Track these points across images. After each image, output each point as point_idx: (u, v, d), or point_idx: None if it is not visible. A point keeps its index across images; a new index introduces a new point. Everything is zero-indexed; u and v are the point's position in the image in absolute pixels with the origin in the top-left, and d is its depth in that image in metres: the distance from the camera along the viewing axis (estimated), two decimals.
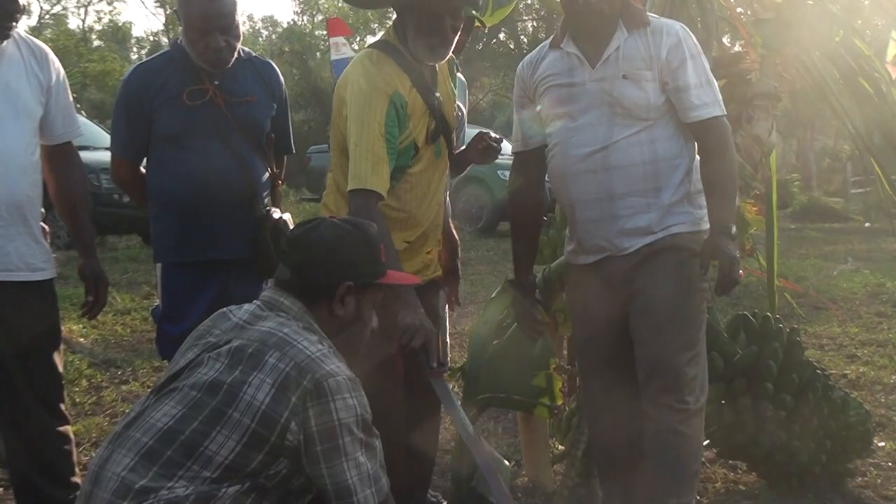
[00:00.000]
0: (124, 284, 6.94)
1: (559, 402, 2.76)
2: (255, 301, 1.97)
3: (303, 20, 36.06)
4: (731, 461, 3.26)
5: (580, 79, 2.32)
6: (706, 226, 2.29)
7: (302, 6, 35.77)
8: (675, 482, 2.29)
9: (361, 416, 1.78)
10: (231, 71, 2.66)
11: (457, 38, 2.48)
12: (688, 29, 2.39)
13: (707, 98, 2.29)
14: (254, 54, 2.86)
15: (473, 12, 2.73)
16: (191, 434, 1.74)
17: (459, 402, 2.49)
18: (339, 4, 30.33)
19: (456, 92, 2.74)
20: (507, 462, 2.76)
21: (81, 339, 5.16)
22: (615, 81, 2.28)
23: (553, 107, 2.39)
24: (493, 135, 2.70)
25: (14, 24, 2.35)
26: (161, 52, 3.05)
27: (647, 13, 2.42)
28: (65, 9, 34.72)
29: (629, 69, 2.27)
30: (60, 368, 2.56)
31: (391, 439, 2.07)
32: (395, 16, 2.56)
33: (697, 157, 2.35)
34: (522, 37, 26.63)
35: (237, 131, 2.65)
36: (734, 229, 2.22)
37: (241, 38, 2.69)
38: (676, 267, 2.27)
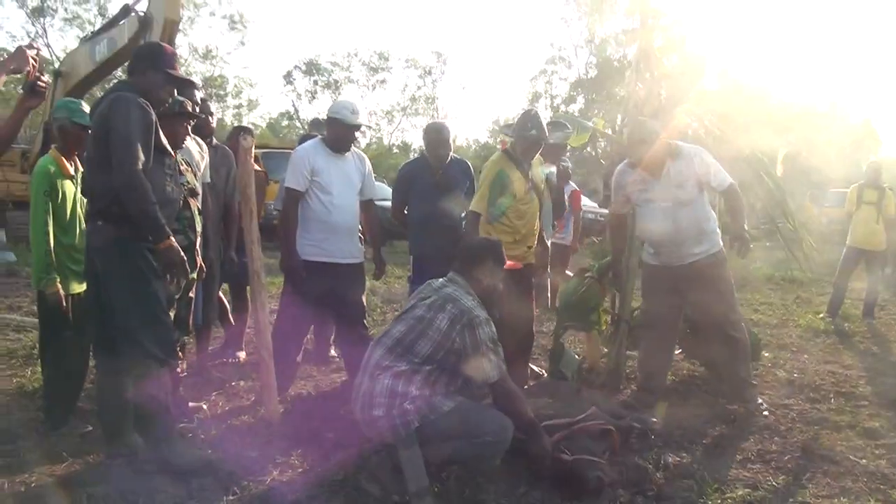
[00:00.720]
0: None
1: (604, 328, 5.61)
2: (444, 278, 3.77)
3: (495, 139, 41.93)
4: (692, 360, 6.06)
5: (651, 187, 4.85)
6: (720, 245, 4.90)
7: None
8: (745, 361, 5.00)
9: (491, 337, 3.52)
10: (447, 165, 5.51)
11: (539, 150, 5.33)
12: (701, 148, 4.86)
13: (721, 177, 4.73)
14: (457, 157, 5.71)
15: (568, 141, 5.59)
16: (409, 341, 3.51)
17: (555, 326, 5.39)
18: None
19: (541, 173, 5.56)
20: (577, 356, 5.63)
21: None
22: (671, 187, 4.78)
23: (638, 198, 4.99)
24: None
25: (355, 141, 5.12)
26: (416, 157, 5.96)
27: (677, 143, 4.85)
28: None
29: (678, 180, 4.76)
30: (364, 303, 5.28)
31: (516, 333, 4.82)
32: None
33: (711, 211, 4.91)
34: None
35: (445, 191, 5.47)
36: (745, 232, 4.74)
37: (452, 149, 5.56)
38: (716, 266, 4.84)
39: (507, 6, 77.54)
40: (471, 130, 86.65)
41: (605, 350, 5.97)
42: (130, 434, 3.73)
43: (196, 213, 4.41)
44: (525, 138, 5.15)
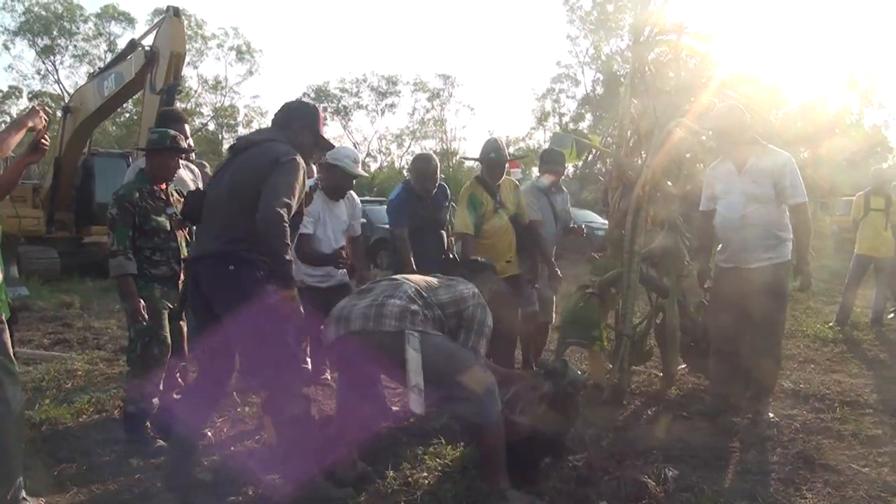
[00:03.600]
0: None
1: (606, 344, 5.61)
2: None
3: None
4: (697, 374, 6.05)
5: (732, 180, 4.95)
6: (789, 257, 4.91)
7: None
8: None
9: (490, 327, 3.81)
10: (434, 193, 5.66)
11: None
12: (790, 156, 4.90)
13: (797, 191, 4.76)
14: (442, 183, 5.92)
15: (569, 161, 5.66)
16: (431, 287, 3.79)
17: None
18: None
19: (512, 195, 5.93)
20: (580, 372, 5.62)
21: None
22: (748, 182, 4.86)
23: (719, 192, 5.06)
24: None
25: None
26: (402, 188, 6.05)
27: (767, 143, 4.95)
28: None
29: (756, 176, 4.84)
30: None
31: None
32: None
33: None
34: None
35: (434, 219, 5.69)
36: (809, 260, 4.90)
37: (438, 179, 5.77)
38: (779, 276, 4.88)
39: (513, 27, 78.17)
40: (479, 152, 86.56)
41: (609, 366, 5.99)
42: None
43: (182, 244, 4.62)
44: (485, 161, 5.89)
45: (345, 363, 3.82)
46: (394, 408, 5.09)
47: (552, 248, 6.27)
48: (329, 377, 6.15)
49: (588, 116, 43.65)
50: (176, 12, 11.07)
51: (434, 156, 6.27)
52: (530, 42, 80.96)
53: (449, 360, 3.52)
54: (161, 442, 4.40)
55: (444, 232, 6.02)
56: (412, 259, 5.48)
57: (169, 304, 4.59)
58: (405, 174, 46.83)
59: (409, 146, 48.77)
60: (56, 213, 14.94)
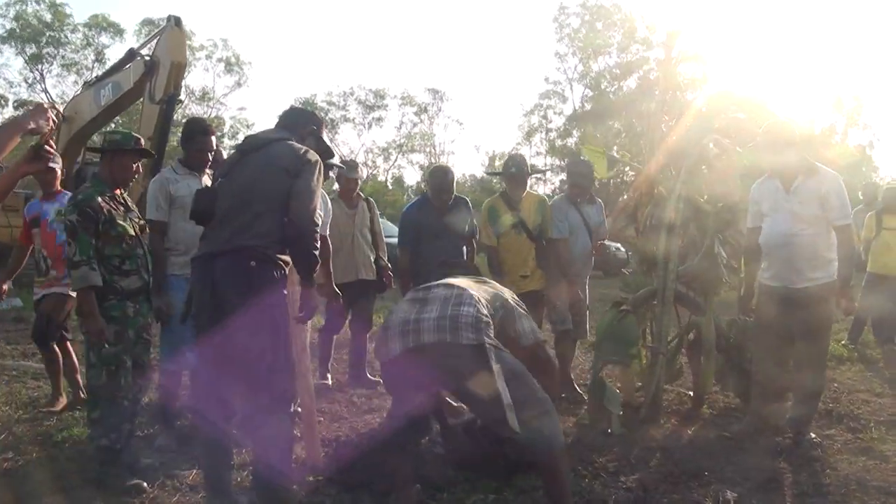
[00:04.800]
0: None
1: (643, 362, 5.52)
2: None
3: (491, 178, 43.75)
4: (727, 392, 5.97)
5: (779, 199, 4.89)
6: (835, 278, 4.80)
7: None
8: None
9: (535, 330, 3.85)
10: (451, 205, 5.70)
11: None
12: (839, 176, 4.78)
13: (843, 212, 4.70)
14: (457, 194, 6.00)
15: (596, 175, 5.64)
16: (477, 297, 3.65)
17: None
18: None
19: (536, 211, 6.08)
20: (616, 390, 5.53)
21: None
22: (795, 202, 4.81)
23: (767, 210, 4.99)
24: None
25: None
26: (418, 199, 6.27)
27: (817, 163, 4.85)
28: None
29: (804, 197, 4.77)
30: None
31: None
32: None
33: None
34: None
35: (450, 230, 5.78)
36: (851, 282, 4.83)
37: (454, 190, 5.80)
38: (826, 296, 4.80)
39: (502, 43, 78.53)
40: (467, 166, 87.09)
41: (640, 384, 5.91)
42: None
43: (147, 251, 4.39)
44: (505, 175, 6.21)
45: (404, 382, 3.54)
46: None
47: (586, 262, 6.26)
48: (329, 381, 6.49)
49: (575, 133, 43.84)
50: (177, 22, 10.86)
51: (451, 169, 6.41)
52: (519, 58, 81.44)
53: (520, 382, 3.32)
54: (136, 480, 4.05)
55: (463, 242, 6.17)
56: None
57: (141, 323, 4.28)
58: (389, 187, 47.22)
59: (396, 160, 48.79)
60: None
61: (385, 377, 3.67)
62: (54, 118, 3.08)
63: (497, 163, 43.71)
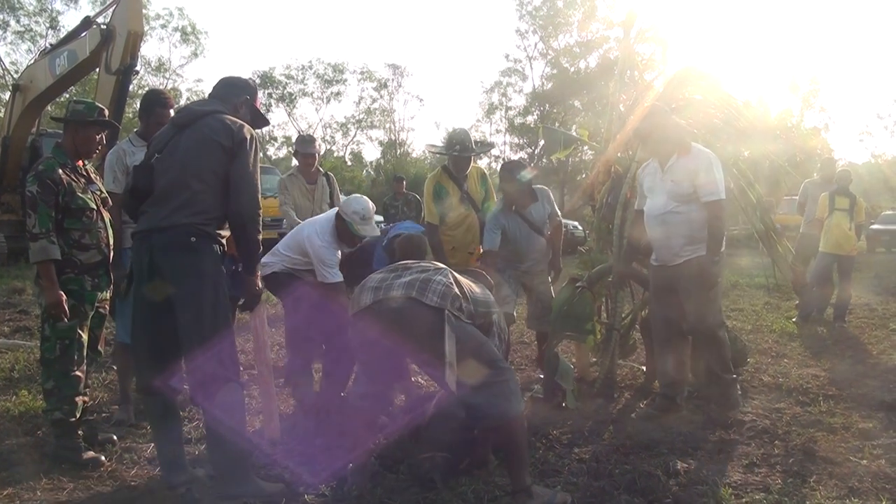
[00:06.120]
0: None
1: (599, 338, 5.61)
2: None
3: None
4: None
5: (656, 179, 4.97)
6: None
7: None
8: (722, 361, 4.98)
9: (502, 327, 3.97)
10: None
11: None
12: (715, 157, 4.84)
13: (712, 189, 4.69)
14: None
15: (555, 153, 5.65)
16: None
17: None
18: None
19: (480, 185, 6.05)
20: (571, 364, 5.63)
21: None
22: (668, 181, 4.86)
23: (647, 190, 5.07)
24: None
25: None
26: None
27: (693, 143, 4.92)
28: None
29: (678, 176, 4.81)
30: None
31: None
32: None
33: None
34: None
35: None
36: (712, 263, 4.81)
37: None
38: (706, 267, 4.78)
39: (463, 19, 78.21)
40: (427, 142, 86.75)
41: (594, 359, 6.01)
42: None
43: (108, 224, 4.32)
44: (449, 156, 6.01)
45: (370, 339, 3.53)
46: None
47: (540, 259, 6.11)
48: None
49: (535, 111, 43.92)
50: None
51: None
52: (480, 34, 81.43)
53: (480, 350, 3.43)
54: (92, 453, 4.07)
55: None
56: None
57: (99, 297, 4.24)
58: (347, 163, 46.85)
59: (355, 135, 48.47)
60: (2, 195, 14.39)
61: (353, 333, 3.68)
62: None
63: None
